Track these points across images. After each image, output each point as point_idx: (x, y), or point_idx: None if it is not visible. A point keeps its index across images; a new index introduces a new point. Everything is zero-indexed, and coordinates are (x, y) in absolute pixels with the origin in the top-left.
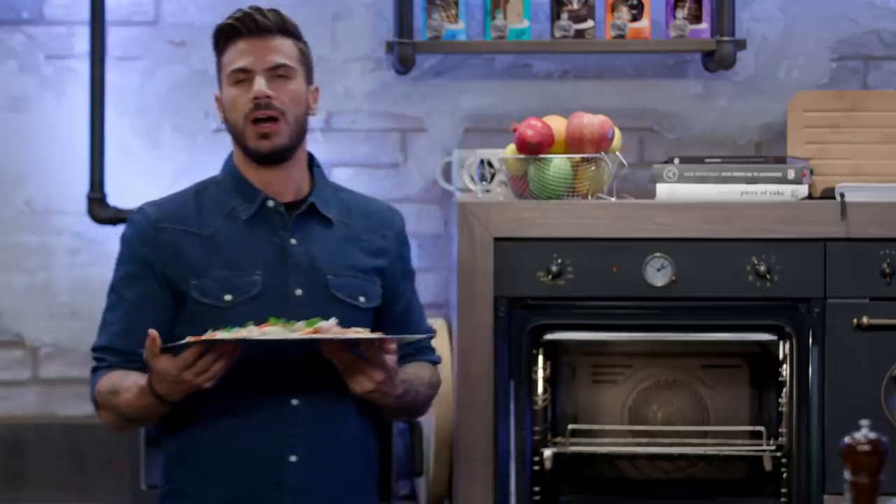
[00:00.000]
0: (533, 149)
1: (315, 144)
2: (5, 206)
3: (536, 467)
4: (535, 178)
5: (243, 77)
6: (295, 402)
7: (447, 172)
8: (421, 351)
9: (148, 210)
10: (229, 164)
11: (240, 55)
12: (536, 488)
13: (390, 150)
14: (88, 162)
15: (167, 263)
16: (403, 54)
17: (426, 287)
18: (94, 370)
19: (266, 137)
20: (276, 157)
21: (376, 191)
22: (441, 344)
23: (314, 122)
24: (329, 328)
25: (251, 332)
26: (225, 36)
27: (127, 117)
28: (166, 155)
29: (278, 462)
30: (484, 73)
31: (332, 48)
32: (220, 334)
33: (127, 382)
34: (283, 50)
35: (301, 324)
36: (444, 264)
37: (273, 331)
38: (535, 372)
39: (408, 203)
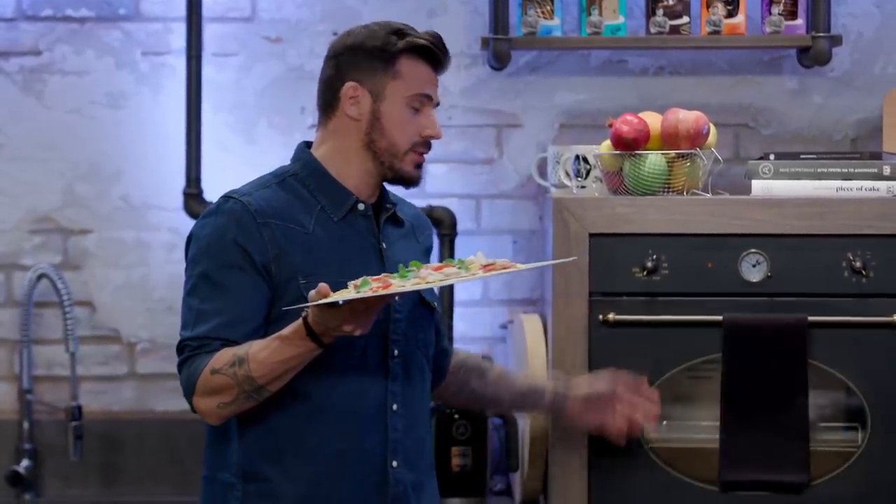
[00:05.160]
0: (628, 145)
1: None
2: (102, 201)
3: None
4: (631, 174)
5: (423, 103)
6: (395, 406)
7: (542, 168)
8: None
9: (244, 200)
10: (310, 157)
11: (426, 82)
12: None
13: (485, 146)
14: (185, 158)
15: (273, 259)
16: (499, 50)
17: (521, 282)
18: (193, 357)
19: (420, 167)
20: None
21: (471, 186)
22: (536, 339)
23: None
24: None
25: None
26: (411, 49)
27: (223, 113)
28: (262, 151)
29: (382, 468)
30: (579, 69)
31: None
32: (347, 293)
33: (252, 349)
34: None
35: (425, 271)
36: (539, 260)
37: (398, 283)
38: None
39: (503, 199)
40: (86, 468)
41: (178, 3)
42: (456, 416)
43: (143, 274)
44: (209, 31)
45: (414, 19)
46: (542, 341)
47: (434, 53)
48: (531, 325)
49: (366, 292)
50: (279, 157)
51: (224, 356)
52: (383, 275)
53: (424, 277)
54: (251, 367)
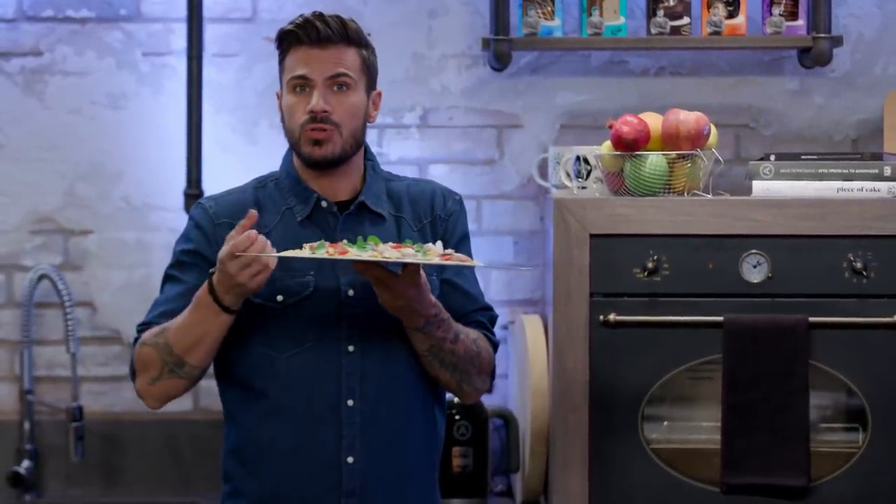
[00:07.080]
0: (629, 145)
1: (411, 141)
2: (104, 202)
3: None
4: (632, 174)
5: (303, 83)
6: (350, 402)
7: (543, 169)
8: (477, 325)
9: (206, 204)
10: (287, 162)
11: (300, 62)
12: None
13: (486, 146)
14: (186, 158)
15: None
16: (499, 51)
17: (522, 283)
18: (135, 342)
19: (319, 144)
20: (329, 164)
21: (472, 187)
22: (537, 340)
23: (410, 118)
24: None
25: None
26: (287, 41)
27: (224, 114)
28: (263, 151)
29: (336, 464)
30: (580, 69)
31: (429, 45)
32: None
33: (174, 318)
34: (344, 60)
35: (383, 246)
36: (540, 260)
37: (354, 252)
38: None
39: (503, 199)
40: (87, 469)
41: (178, 4)
42: (457, 416)
43: (144, 274)
44: (210, 32)
45: (414, 20)
46: (542, 342)
47: (300, 35)
48: (532, 325)
49: (322, 254)
50: (280, 157)
51: (152, 330)
52: (342, 242)
53: (381, 252)
54: (169, 334)
